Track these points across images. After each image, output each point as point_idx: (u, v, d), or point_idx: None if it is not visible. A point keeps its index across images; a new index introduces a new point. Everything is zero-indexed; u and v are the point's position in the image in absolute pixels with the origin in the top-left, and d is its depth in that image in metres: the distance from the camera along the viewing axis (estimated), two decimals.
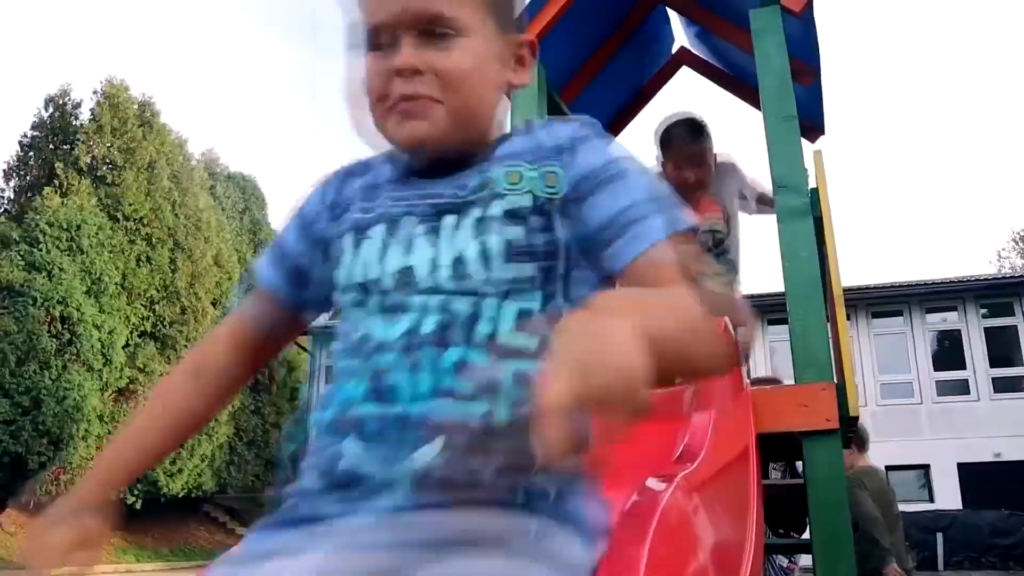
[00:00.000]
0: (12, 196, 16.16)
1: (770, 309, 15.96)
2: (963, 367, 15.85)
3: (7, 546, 13.61)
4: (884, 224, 52.42)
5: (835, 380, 2.21)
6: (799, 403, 2.14)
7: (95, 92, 16.52)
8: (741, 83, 3.40)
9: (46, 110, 16.53)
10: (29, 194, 15.51)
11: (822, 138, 3.32)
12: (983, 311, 16.01)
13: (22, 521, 14.51)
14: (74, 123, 16.34)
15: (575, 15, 2.96)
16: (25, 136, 16.45)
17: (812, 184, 2.43)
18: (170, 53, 47.97)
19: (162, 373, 15.57)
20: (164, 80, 48.32)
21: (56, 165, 15.51)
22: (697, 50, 3.66)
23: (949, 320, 16.26)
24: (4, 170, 16.43)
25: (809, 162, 2.52)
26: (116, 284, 15.07)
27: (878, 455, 15.76)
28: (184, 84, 47.92)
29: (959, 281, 16.07)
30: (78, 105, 16.60)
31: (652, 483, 1.06)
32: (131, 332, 15.38)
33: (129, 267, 15.46)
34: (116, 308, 14.91)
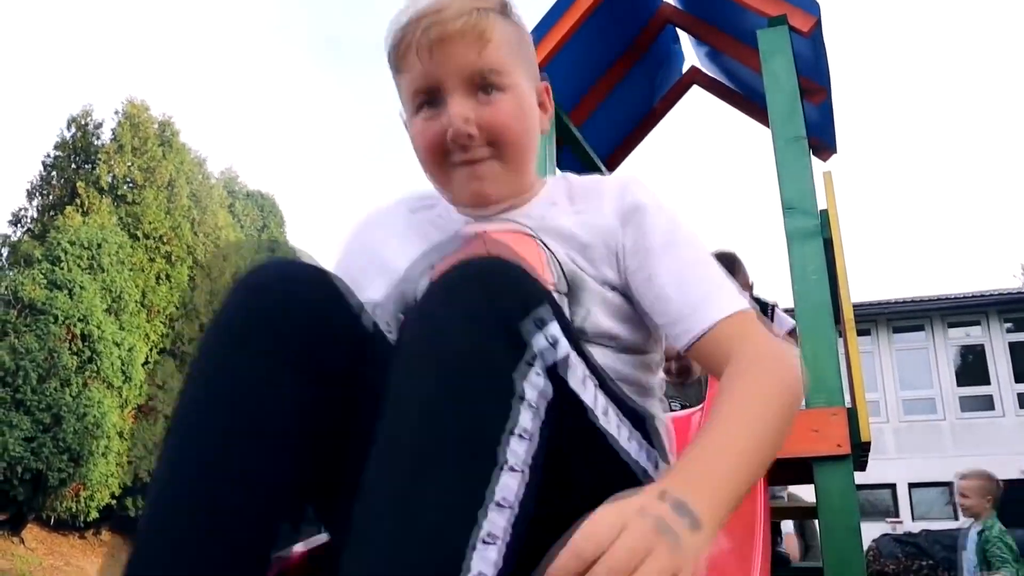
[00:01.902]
0: (35, 215, 16.37)
1: None
2: (987, 382, 15.62)
3: (28, 562, 13.70)
4: (905, 238, 51.96)
5: (847, 404, 2.18)
6: (809, 428, 2.11)
7: (116, 112, 16.75)
8: (752, 102, 3.38)
9: (68, 131, 16.77)
10: (51, 213, 15.71)
11: (834, 156, 3.30)
12: (1007, 325, 15.78)
13: (43, 537, 14.62)
14: (96, 143, 16.56)
15: (584, 36, 2.97)
16: (48, 156, 16.68)
17: (822, 205, 2.41)
18: (190, 72, 48.65)
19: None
20: (184, 99, 48.99)
21: (78, 184, 15.71)
22: (708, 69, 3.66)
23: (972, 335, 16.04)
24: (28, 190, 16.65)
25: (819, 183, 2.50)
26: (136, 302, 15.21)
27: (901, 472, 15.57)
28: (204, 103, 48.55)
29: (982, 295, 15.86)
30: (100, 125, 16.83)
31: None
32: (150, 349, 15.50)
33: (149, 285, 15.60)
34: (136, 326, 15.03)
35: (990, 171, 50.34)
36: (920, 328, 16.24)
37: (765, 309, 2.84)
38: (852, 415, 2.13)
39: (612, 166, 3.70)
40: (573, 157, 3.33)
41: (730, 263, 2.75)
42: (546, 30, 2.87)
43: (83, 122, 16.76)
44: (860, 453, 2.21)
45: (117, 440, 14.22)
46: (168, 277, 15.96)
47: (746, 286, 2.85)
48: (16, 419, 12.92)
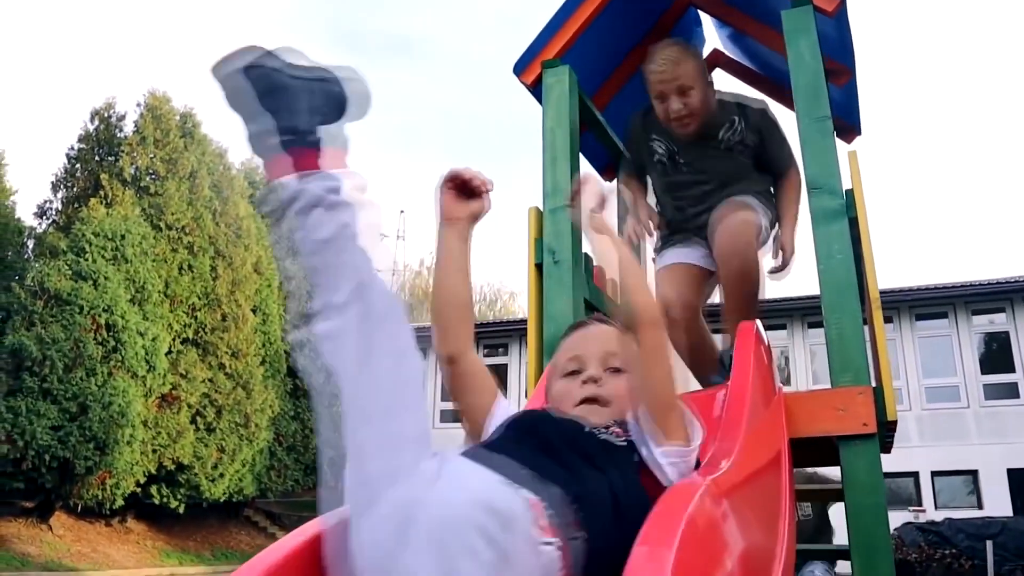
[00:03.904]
0: (60, 207, 16.58)
1: (810, 312, 15.75)
2: (1012, 370, 15.45)
3: (57, 548, 13.94)
4: (928, 224, 51.38)
5: (873, 384, 2.17)
6: (835, 407, 2.11)
7: (138, 105, 16.90)
8: (775, 84, 3.36)
9: (92, 123, 16.94)
10: (76, 205, 15.90)
11: (858, 138, 3.27)
12: None
13: (70, 524, 14.87)
14: (118, 135, 16.72)
15: (605, 20, 2.96)
16: (72, 149, 16.87)
17: (847, 185, 2.40)
18: (211, 62, 48.81)
19: (203, 379, 15.83)
20: (205, 90, 49.29)
21: (101, 176, 15.88)
22: (730, 52, 3.63)
23: (996, 322, 15.87)
24: (52, 182, 16.86)
25: (844, 163, 2.49)
26: (159, 292, 15.37)
27: (924, 460, 15.45)
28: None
29: (1006, 282, 15.66)
30: (123, 118, 16.98)
31: (679, 487, 1.06)
32: (174, 339, 15.67)
33: (172, 275, 15.76)
34: (159, 315, 15.20)
35: (1015, 156, 49.63)
36: (943, 315, 16.08)
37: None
38: (878, 394, 2.13)
39: None
40: (596, 142, 3.33)
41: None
42: (568, 15, 2.87)
43: (106, 114, 16.92)
44: (886, 433, 2.21)
45: (142, 428, 14.41)
46: (190, 267, 16.11)
47: None
48: (44, 408, 13.13)
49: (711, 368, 2.51)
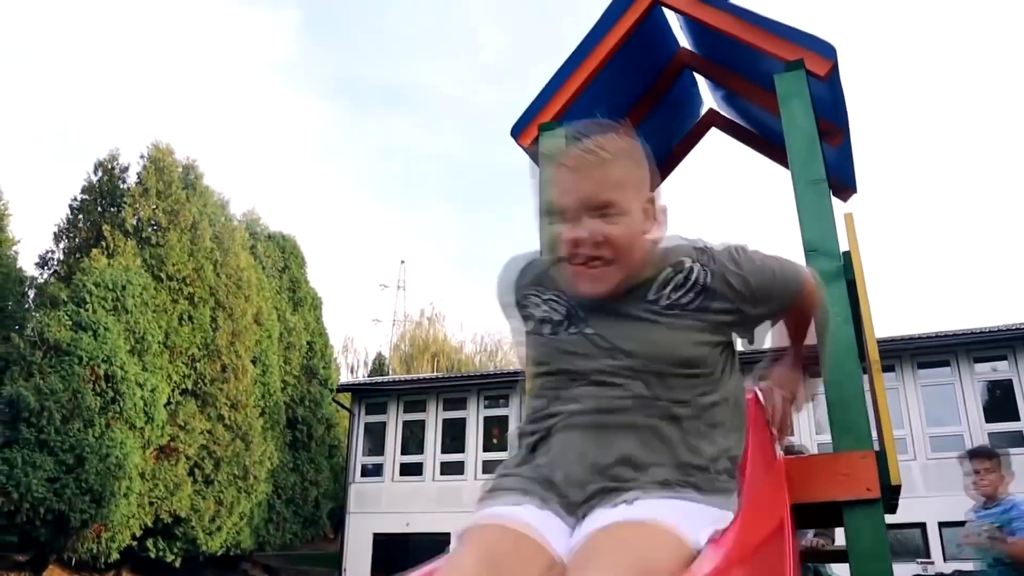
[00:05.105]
0: (61, 257, 16.65)
1: (813, 361, 15.67)
2: (1016, 417, 15.33)
3: None
4: (928, 271, 51.53)
5: (875, 447, 2.16)
6: (838, 472, 2.09)
7: (141, 156, 17.09)
8: (770, 144, 3.40)
9: (95, 174, 17.11)
10: (77, 255, 15.97)
11: (854, 196, 3.30)
12: None
13: None
14: (121, 186, 16.87)
15: (603, 81, 3.01)
16: (75, 199, 17.01)
17: (844, 247, 2.41)
18: (213, 114, 49.52)
19: (202, 431, 15.71)
20: (207, 141, 49.78)
21: (103, 227, 15.98)
22: (725, 112, 3.69)
23: (999, 369, 15.79)
24: (55, 232, 16.96)
25: (841, 223, 2.50)
26: (159, 343, 15.35)
27: (931, 510, 15.17)
28: (226, 144, 49.34)
29: (1008, 329, 15.62)
30: (125, 169, 17.16)
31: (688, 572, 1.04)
32: (172, 390, 15.60)
33: (172, 326, 15.75)
34: (158, 366, 15.16)
35: (1013, 203, 49.96)
36: (945, 363, 16.01)
37: None
38: (881, 458, 2.11)
39: None
40: None
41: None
42: (564, 78, 2.92)
43: (109, 165, 17.10)
44: (890, 496, 2.18)
45: (139, 480, 14.26)
46: (191, 318, 16.11)
47: None
48: (40, 460, 13.00)
49: None
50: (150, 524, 14.72)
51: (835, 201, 2.71)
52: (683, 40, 3.38)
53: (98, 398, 13.82)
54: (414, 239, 51.35)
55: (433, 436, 16.69)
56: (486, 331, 34.89)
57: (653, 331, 1.30)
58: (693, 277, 1.32)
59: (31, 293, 16.90)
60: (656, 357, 1.28)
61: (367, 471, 18.28)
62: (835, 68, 2.61)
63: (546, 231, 1.31)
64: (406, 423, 18.40)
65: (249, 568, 18.49)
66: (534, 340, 1.42)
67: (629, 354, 1.29)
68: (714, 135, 3.80)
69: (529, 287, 1.45)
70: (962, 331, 16.12)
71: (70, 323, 14.11)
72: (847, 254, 2.36)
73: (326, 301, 27.89)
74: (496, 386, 18.49)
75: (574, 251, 1.27)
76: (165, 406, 15.14)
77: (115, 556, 14.33)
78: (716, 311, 1.33)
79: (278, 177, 51.15)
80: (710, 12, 2.75)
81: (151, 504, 14.64)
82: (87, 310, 14.34)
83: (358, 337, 57.23)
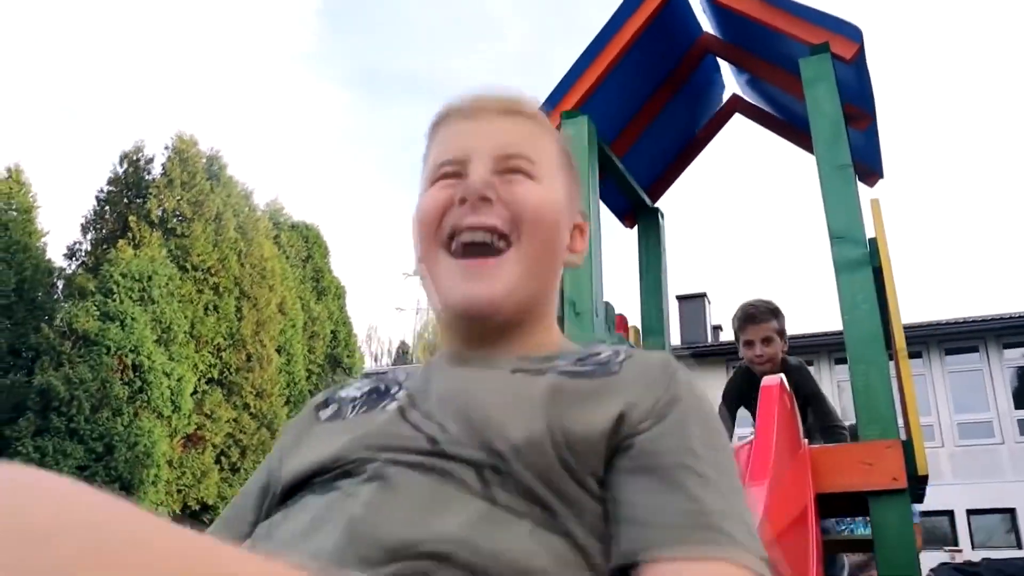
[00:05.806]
0: (89, 248, 16.86)
1: (836, 348, 15.53)
2: None
3: None
4: (957, 256, 50.76)
5: (901, 437, 2.13)
6: (863, 461, 2.07)
7: (166, 148, 17.24)
8: (795, 129, 3.35)
9: (121, 166, 17.29)
10: (104, 246, 16.17)
11: (881, 182, 3.25)
12: None
13: None
14: (147, 178, 17.04)
15: (625, 68, 2.98)
16: (101, 191, 17.20)
17: (870, 233, 2.37)
18: (237, 104, 49.84)
19: (228, 419, 15.89)
20: (231, 131, 50.15)
21: (130, 218, 16.15)
22: (749, 97, 3.64)
23: None
24: (82, 224, 17.18)
25: (867, 209, 2.46)
26: (185, 332, 15.52)
27: (959, 498, 15.05)
28: (250, 134, 49.66)
29: None
30: (151, 160, 17.32)
31: None
32: (199, 379, 15.78)
33: (197, 316, 15.92)
34: (184, 356, 15.33)
35: None
36: (974, 349, 15.81)
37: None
38: (907, 447, 2.08)
39: (655, 196, 3.69)
40: (616, 188, 3.34)
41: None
42: (585, 66, 2.90)
43: (135, 157, 17.27)
44: (917, 486, 2.15)
45: (166, 469, 14.46)
46: (216, 308, 16.26)
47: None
48: (70, 448, 13.24)
49: None
50: (178, 511, 14.93)
51: (861, 187, 2.67)
52: (706, 25, 3.34)
53: (126, 387, 14.02)
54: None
55: None
56: None
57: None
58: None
59: (60, 284, 17.14)
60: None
61: None
62: (861, 51, 2.56)
63: (419, 212, 0.82)
64: None
65: None
66: None
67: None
68: (737, 120, 3.75)
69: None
70: (991, 316, 15.89)
71: (98, 313, 14.31)
72: (873, 241, 2.33)
73: (349, 290, 28.06)
74: None
75: (464, 216, 0.75)
76: (191, 395, 15.32)
77: None
78: None
79: (301, 167, 51.43)
80: None
81: (179, 492, 14.85)
82: (114, 301, 14.52)
83: (382, 326, 57.64)
